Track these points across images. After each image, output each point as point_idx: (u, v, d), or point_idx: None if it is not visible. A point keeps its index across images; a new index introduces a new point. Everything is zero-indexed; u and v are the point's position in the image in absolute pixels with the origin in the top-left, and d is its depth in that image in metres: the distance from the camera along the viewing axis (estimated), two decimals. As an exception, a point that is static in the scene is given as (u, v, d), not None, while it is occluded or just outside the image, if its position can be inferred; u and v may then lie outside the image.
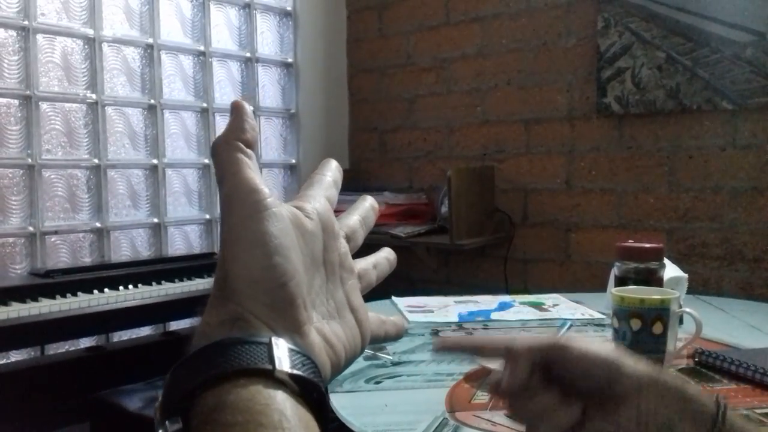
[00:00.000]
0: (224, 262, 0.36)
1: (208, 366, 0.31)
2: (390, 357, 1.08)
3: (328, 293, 0.40)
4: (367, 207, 0.48)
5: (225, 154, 0.37)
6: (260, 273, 0.35)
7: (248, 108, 0.38)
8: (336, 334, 0.38)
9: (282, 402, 0.30)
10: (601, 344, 0.50)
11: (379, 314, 0.45)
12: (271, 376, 0.31)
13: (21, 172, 2.25)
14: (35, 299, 1.90)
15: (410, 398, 0.91)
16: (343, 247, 0.42)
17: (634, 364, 0.48)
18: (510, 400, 0.51)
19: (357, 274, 0.43)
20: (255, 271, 0.35)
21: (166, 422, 0.30)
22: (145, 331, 2.51)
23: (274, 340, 0.32)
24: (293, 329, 0.35)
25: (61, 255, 2.35)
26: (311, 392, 0.32)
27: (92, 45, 2.41)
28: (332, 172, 0.45)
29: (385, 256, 0.48)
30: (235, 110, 0.38)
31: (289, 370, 0.32)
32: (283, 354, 0.32)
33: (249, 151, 0.37)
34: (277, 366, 0.31)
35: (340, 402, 0.89)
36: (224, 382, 0.30)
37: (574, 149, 2.63)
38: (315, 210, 0.40)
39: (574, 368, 0.48)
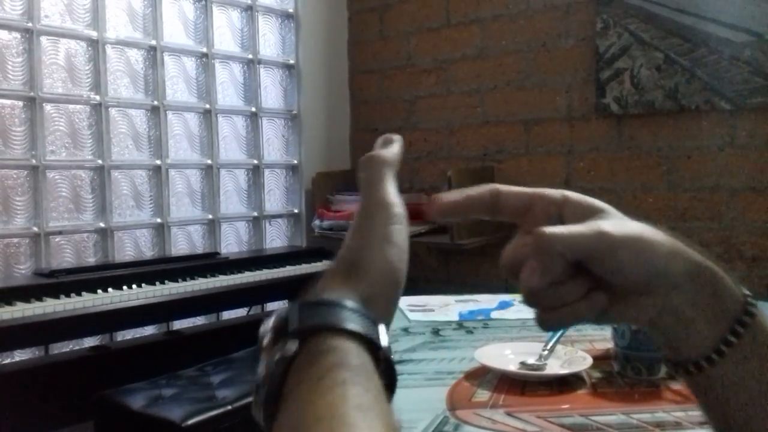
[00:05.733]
0: (357, 248, 0.43)
1: (326, 316, 0.37)
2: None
3: None
4: None
5: (378, 167, 0.47)
6: (385, 265, 0.43)
7: (401, 144, 0.49)
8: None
9: (363, 353, 0.37)
10: (650, 233, 0.45)
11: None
12: (363, 339, 0.37)
13: (25, 172, 2.26)
14: (39, 299, 1.91)
15: (411, 396, 0.92)
16: None
17: (680, 258, 0.44)
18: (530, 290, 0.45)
19: None
20: (382, 263, 0.43)
21: (287, 340, 0.36)
22: (148, 331, 2.52)
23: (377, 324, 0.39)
24: (384, 316, 0.42)
25: (65, 255, 2.36)
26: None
27: (96, 47, 2.42)
28: None
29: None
30: (397, 141, 0.50)
31: (385, 345, 0.38)
32: (383, 332, 0.39)
33: (394, 171, 0.47)
34: (383, 343, 0.38)
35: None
36: (334, 332, 0.37)
37: (574, 149, 2.65)
38: None
39: (617, 266, 0.43)
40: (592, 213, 0.47)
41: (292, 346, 0.36)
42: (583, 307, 0.45)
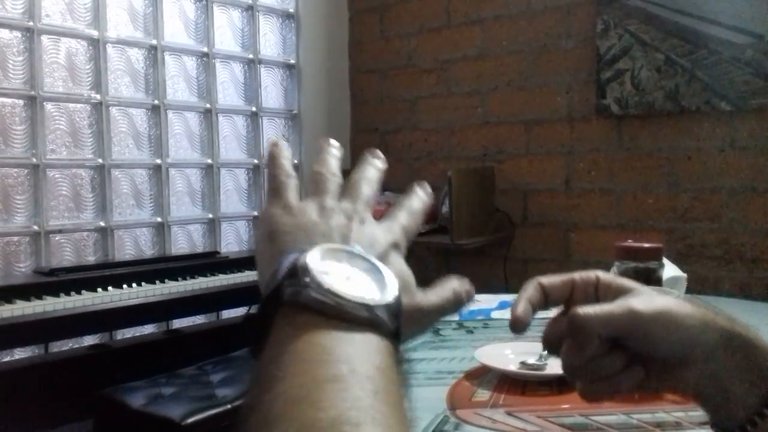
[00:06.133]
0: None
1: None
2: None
3: None
4: None
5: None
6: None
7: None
8: None
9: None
10: (678, 306, 0.47)
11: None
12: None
13: (26, 171, 2.27)
14: (40, 297, 1.91)
15: (411, 396, 0.92)
16: None
17: (710, 327, 0.47)
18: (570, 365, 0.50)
19: None
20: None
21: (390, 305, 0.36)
22: (148, 329, 2.52)
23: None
24: None
25: (65, 254, 2.36)
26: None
27: (96, 46, 2.42)
28: None
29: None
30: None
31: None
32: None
33: None
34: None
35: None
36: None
37: (574, 150, 2.65)
38: None
39: (649, 340, 0.47)
40: (622, 292, 0.50)
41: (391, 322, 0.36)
42: (622, 380, 0.48)
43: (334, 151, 0.49)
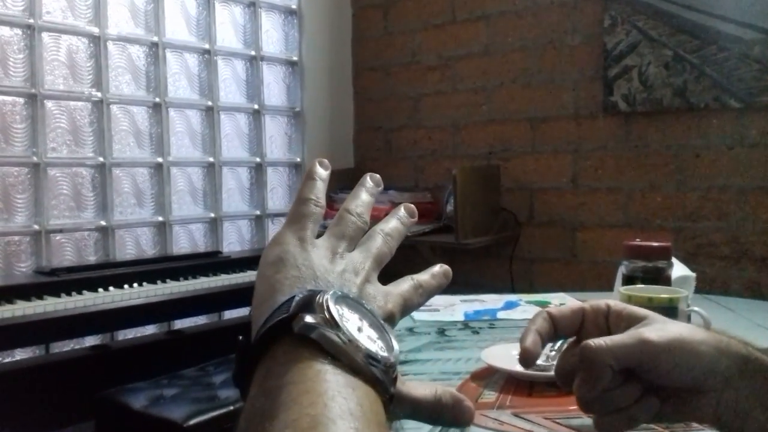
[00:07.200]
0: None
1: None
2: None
3: None
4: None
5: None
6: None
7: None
8: None
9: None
10: (691, 334, 0.47)
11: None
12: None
13: (26, 170, 2.26)
14: (40, 297, 1.90)
15: None
16: None
17: (725, 354, 0.46)
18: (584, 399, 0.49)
19: None
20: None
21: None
22: (149, 330, 2.51)
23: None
24: None
25: (66, 253, 2.35)
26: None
27: (97, 43, 2.41)
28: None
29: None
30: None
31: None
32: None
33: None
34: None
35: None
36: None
37: (581, 148, 2.62)
38: None
39: (663, 370, 0.46)
40: (634, 320, 0.50)
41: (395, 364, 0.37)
42: (638, 411, 0.47)
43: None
